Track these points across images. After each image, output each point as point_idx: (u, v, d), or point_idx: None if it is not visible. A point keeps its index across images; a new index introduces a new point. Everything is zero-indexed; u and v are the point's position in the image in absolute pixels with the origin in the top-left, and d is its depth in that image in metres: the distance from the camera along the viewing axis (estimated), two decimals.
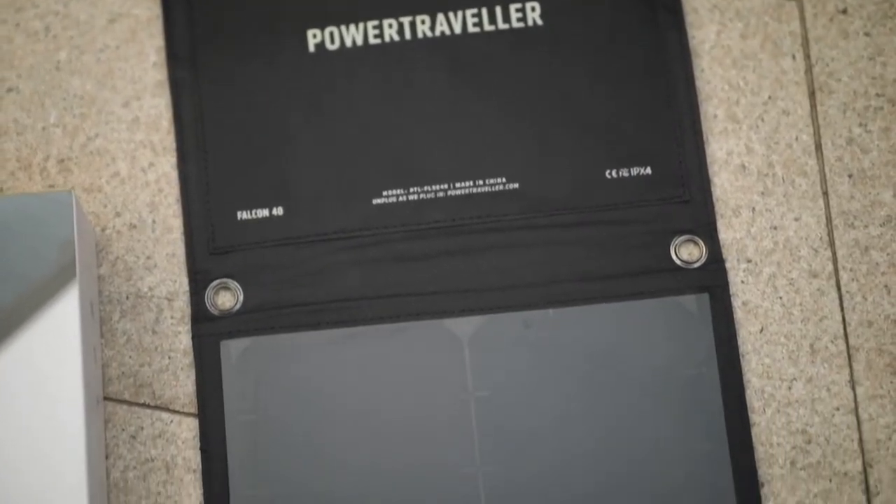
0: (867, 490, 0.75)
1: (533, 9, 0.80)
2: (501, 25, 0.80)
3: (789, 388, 0.76)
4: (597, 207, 0.77)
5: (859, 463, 0.75)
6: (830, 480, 0.75)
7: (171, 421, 0.77)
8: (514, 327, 0.76)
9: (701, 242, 0.77)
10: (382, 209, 0.77)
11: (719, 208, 0.78)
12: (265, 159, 0.78)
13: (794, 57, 0.80)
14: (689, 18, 0.81)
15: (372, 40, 0.80)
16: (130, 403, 0.77)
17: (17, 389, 0.69)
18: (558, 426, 0.74)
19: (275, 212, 0.78)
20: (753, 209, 0.78)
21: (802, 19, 0.81)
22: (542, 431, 0.74)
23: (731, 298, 0.77)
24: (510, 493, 0.73)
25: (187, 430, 0.76)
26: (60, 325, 0.70)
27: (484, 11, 0.80)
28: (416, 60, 0.80)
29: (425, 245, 0.77)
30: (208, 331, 0.77)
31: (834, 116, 0.79)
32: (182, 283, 0.78)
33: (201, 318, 0.77)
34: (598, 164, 0.78)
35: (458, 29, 0.80)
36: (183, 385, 0.77)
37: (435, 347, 0.75)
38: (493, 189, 0.78)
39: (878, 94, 0.79)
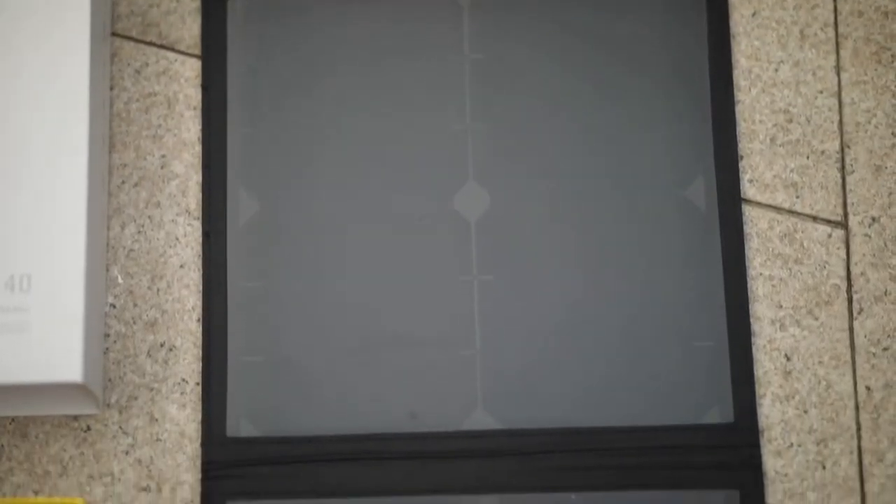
0: (843, 168, 0.77)
1: None
2: None
3: (776, 71, 0.78)
4: None
5: (837, 143, 0.78)
6: (808, 157, 0.77)
7: (176, 60, 0.79)
8: None
9: None
10: None
11: None
12: None
13: None
14: None
15: None
16: (137, 41, 0.79)
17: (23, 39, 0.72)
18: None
19: None
20: None
21: None
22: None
23: None
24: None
25: (190, 69, 0.79)
26: None
27: None
28: None
29: None
30: None
31: None
32: None
33: None
34: None
35: None
36: (189, 28, 0.79)
37: None
38: None
39: None
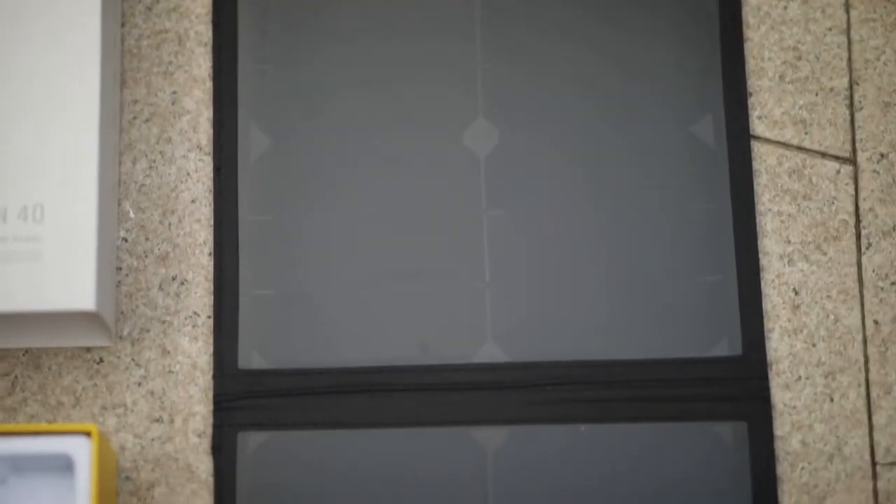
0: (851, 105, 0.78)
1: None
2: None
3: (785, 8, 0.79)
4: None
5: (846, 80, 0.78)
6: (817, 94, 0.78)
7: None
8: None
9: None
10: None
11: None
12: None
13: None
14: None
15: None
16: None
17: None
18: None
19: None
20: None
21: None
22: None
23: None
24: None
25: (201, 6, 0.79)
26: None
27: None
28: None
29: None
30: None
31: None
32: None
33: None
34: None
35: None
36: None
37: None
38: None
39: None
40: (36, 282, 0.69)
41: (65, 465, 0.68)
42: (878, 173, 0.76)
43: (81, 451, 0.67)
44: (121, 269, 0.76)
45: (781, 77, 0.78)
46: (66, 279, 0.69)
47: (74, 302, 0.69)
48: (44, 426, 0.68)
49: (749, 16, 0.78)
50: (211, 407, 0.74)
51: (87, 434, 0.67)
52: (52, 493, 0.70)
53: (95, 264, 0.70)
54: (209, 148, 0.77)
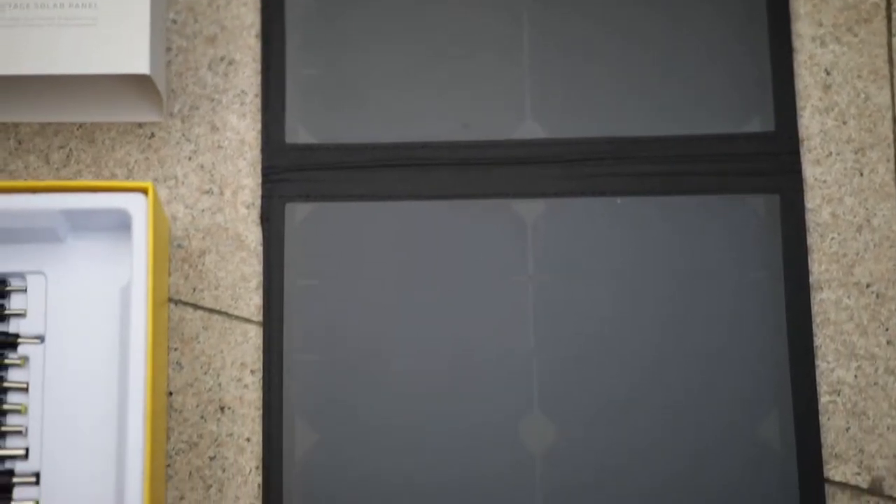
0: None
1: None
2: None
3: None
4: None
5: None
6: None
7: None
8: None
9: None
10: None
11: None
12: None
13: None
14: None
15: None
16: None
17: None
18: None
19: None
20: None
21: None
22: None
23: None
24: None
25: None
26: None
27: None
28: None
29: None
30: None
31: None
32: None
33: None
34: None
35: None
36: None
37: None
38: None
39: None
40: (91, 46, 0.71)
41: (121, 225, 0.71)
42: None
43: (139, 208, 0.70)
44: (170, 49, 0.78)
45: None
46: (121, 43, 0.71)
47: (128, 65, 0.71)
48: (103, 182, 0.70)
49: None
50: (259, 180, 0.76)
51: (144, 192, 0.70)
52: (110, 253, 0.73)
53: (149, 30, 0.72)
54: None
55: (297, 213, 0.76)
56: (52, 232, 0.71)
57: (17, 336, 0.72)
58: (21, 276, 0.72)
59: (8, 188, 0.69)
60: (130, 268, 0.69)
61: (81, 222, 0.72)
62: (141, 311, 0.69)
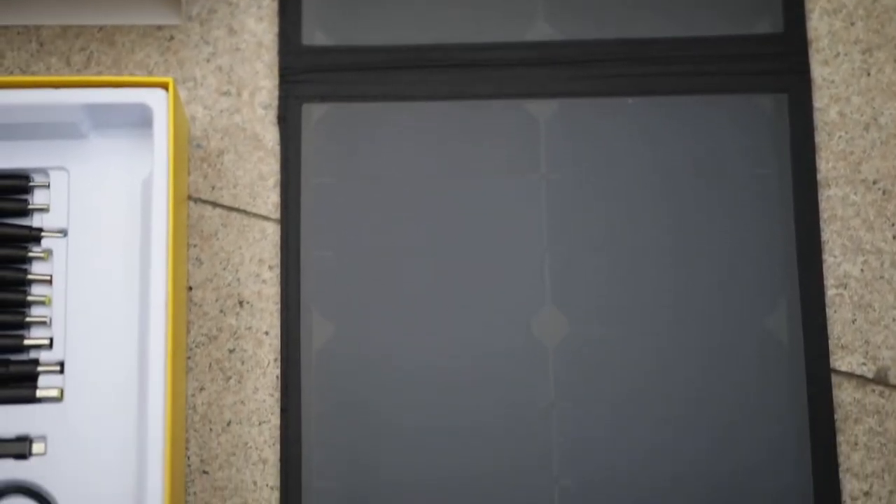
0: None
1: None
2: None
3: None
4: None
5: None
6: None
7: None
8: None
9: None
10: None
11: None
12: None
13: None
14: None
15: None
16: None
17: None
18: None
19: None
20: None
21: None
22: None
23: None
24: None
25: None
26: None
27: None
28: None
29: None
30: None
31: None
32: None
33: None
34: None
35: None
36: None
37: None
38: None
39: None
40: None
41: (143, 122, 0.72)
42: None
43: (159, 103, 0.71)
44: None
45: None
46: None
47: None
48: (124, 77, 0.72)
49: None
50: (276, 81, 0.78)
51: (165, 87, 0.71)
52: (131, 150, 0.74)
53: None
54: None
55: (314, 114, 0.77)
56: (74, 128, 0.73)
57: (40, 230, 0.73)
58: (44, 171, 0.74)
59: (30, 83, 0.71)
60: (151, 164, 0.71)
61: (103, 118, 0.73)
62: (162, 206, 0.70)
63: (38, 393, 0.71)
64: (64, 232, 0.74)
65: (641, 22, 0.78)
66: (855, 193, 0.76)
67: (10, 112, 0.71)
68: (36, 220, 0.74)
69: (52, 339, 0.72)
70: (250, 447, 0.74)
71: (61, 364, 0.72)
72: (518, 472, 0.74)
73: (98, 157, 0.74)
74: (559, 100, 0.78)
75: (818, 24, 0.78)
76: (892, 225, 0.76)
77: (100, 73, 0.78)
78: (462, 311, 0.75)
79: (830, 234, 0.76)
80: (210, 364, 0.75)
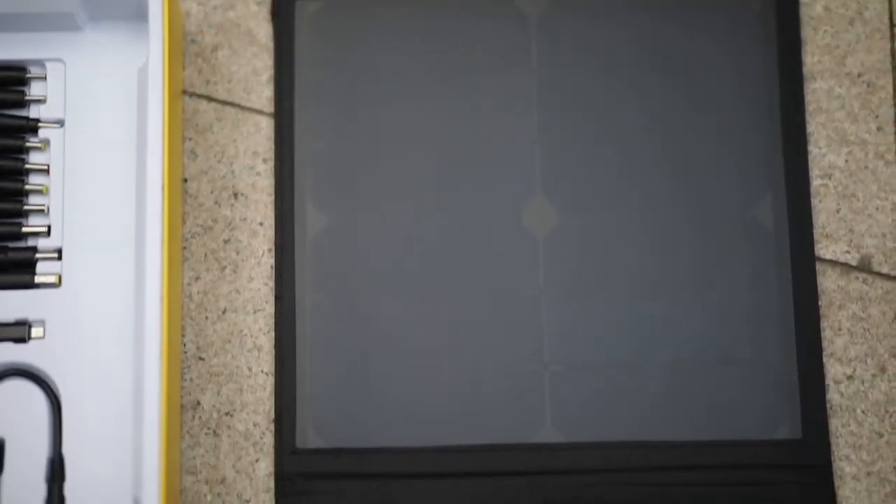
0: None
1: None
2: None
3: None
4: None
5: None
6: None
7: None
8: None
9: None
10: None
11: None
12: None
13: None
14: None
15: None
16: None
17: None
18: None
19: None
20: None
21: None
22: None
23: None
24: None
25: None
26: None
27: None
28: None
29: None
30: None
31: None
32: None
33: None
34: None
35: None
36: None
37: None
38: None
39: None
40: None
41: (138, 15, 0.73)
42: None
43: None
44: None
45: None
46: None
47: None
48: None
49: None
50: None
51: None
52: (127, 43, 0.75)
53: None
54: None
55: (307, 9, 0.78)
56: (70, 19, 0.74)
57: (37, 121, 0.74)
58: (41, 63, 0.75)
59: None
60: (147, 56, 0.72)
61: (99, 10, 0.74)
62: (157, 97, 0.71)
63: (37, 279, 0.73)
64: (61, 122, 0.75)
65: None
66: (840, 86, 0.78)
67: (7, 2, 0.72)
68: (33, 111, 0.75)
69: (49, 227, 0.73)
70: (245, 334, 0.75)
71: (59, 251, 0.73)
72: (509, 358, 0.75)
73: (94, 48, 0.75)
74: None
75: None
76: (876, 117, 0.77)
77: None
78: (452, 202, 0.76)
79: (816, 126, 0.77)
80: (205, 254, 0.76)
